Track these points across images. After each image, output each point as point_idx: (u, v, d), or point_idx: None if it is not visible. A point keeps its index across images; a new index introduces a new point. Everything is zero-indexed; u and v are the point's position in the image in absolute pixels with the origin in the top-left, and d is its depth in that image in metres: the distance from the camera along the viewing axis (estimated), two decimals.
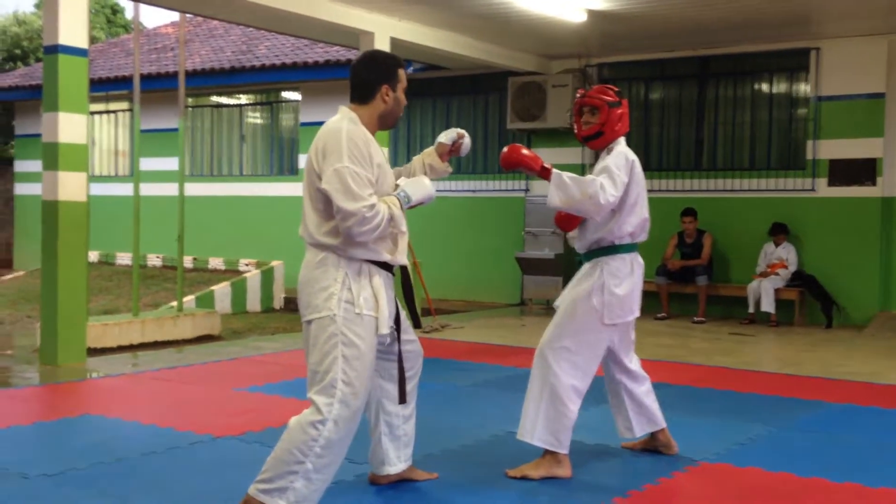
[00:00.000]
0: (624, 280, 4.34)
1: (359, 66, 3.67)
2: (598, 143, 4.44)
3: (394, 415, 3.98)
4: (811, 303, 10.84)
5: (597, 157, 4.49)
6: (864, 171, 10.77)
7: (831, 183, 10.94)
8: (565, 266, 11.71)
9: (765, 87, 11.62)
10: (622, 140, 4.45)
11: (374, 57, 3.73)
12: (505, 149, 4.25)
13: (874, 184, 10.72)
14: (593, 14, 9.74)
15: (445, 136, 4.06)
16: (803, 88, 11.27)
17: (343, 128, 3.48)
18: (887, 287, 10.88)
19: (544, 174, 4.18)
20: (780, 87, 11.51)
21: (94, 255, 15.90)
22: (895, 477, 4.40)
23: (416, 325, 4.01)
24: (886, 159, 10.74)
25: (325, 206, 3.48)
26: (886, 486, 4.22)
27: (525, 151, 4.22)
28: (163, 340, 9.38)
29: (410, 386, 3.98)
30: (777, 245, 10.87)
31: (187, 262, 14.41)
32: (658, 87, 12.33)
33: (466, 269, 13.37)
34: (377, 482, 4.09)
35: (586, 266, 4.45)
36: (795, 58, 11.23)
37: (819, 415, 5.84)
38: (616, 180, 4.20)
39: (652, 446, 4.76)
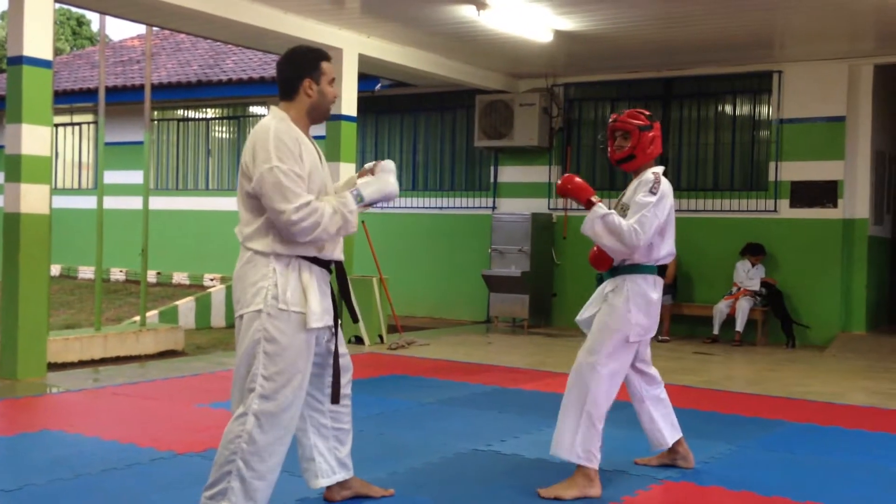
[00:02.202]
0: (649, 302, 4.49)
1: (281, 64, 3.65)
2: (630, 165, 4.62)
3: (326, 426, 3.93)
4: (774, 322, 10.96)
5: (627, 178, 4.61)
6: (825, 193, 10.93)
7: (793, 204, 11.09)
8: (531, 284, 11.75)
9: (728, 108, 11.77)
10: (659, 168, 4.55)
11: (294, 52, 3.67)
12: (560, 179, 4.45)
13: (835, 206, 10.87)
14: (560, 34, 9.83)
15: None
16: (766, 111, 11.44)
17: (271, 127, 3.46)
18: (848, 308, 11.03)
19: (588, 206, 4.36)
20: (742, 110, 11.67)
21: (56, 269, 15.73)
22: (856, 497, 4.45)
23: (354, 319, 3.96)
24: (847, 182, 10.91)
25: (253, 207, 3.49)
26: None
27: (577, 180, 4.42)
28: (125, 355, 9.27)
29: (346, 401, 3.95)
30: (753, 265, 10.93)
31: (151, 276, 14.28)
32: (623, 107, 12.43)
33: (433, 285, 13.38)
34: (332, 499, 4.04)
35: (608, 284, 4.54)
36: (758, 80, 11.40)
37: (781, 434, 5.89)
38: (647, 225, 4.33)
39: (670, 460, 4.84)
